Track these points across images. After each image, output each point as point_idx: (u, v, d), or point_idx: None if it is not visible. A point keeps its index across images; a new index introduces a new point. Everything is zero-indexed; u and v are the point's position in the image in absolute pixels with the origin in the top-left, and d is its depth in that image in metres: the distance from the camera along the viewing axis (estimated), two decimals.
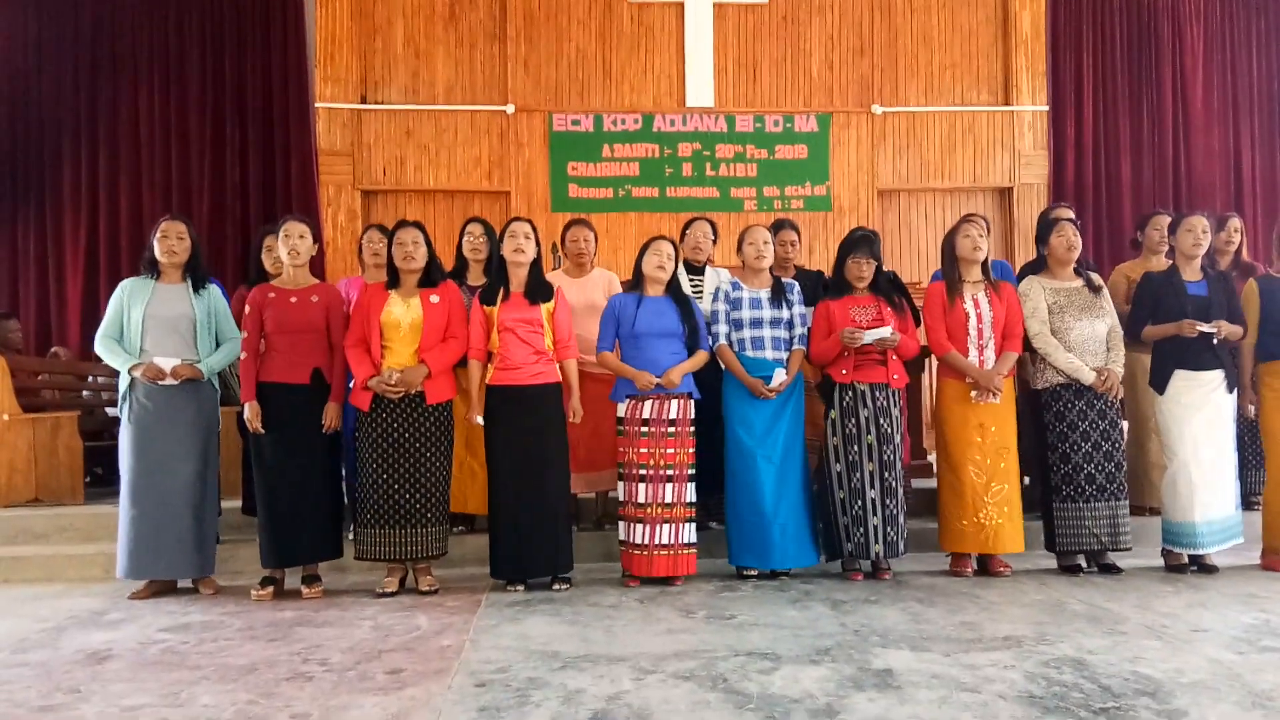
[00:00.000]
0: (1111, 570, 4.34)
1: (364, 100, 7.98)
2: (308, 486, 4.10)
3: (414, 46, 8.05)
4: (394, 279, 4.19)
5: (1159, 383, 4.43)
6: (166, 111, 7.88)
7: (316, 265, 7.52)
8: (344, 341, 4.17)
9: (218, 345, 4.30)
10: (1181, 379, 4.37)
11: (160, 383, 4.13)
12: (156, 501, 4.12)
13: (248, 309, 4.16)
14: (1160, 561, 4.48)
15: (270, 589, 4.10)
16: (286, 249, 4.18)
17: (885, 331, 4.21)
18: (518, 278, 4.21)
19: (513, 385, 4.11)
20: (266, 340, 4.15)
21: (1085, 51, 8.39)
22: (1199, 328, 4.26)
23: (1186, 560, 4.38)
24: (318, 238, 4.35)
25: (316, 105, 7.87)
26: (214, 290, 4.36)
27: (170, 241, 4.23)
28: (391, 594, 4.07)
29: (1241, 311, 4.42)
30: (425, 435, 4.09)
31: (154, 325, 4.16)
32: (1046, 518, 4.43)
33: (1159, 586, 4.09)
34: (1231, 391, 4.39)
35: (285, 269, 4.25)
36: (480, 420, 4.15)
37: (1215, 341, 4.30)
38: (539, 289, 4.20)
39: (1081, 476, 4.31)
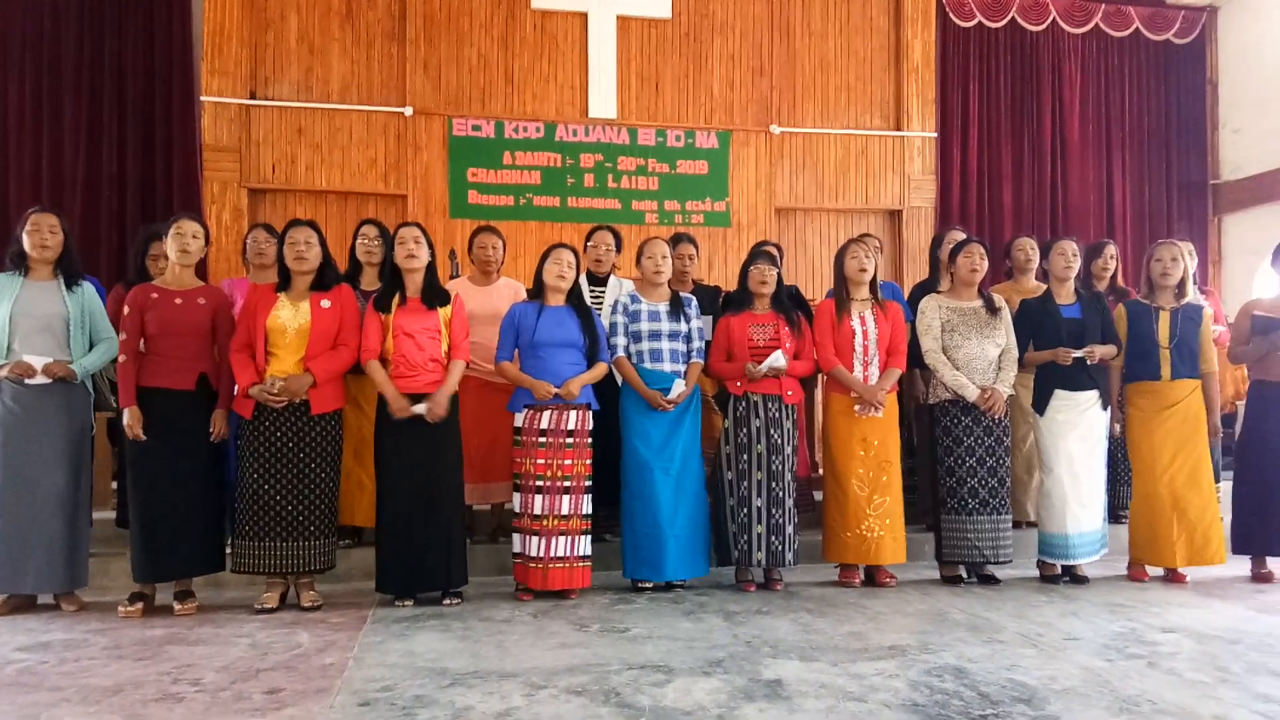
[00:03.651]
0: (990, 581, 4.50)
1: (253, 95, 7.69)
2: (189, 497, 3.91)
3: (308, 42, 7.81)
4: (285, 281, 4.04)
5: (1040, 403, 4.63)
6: (39, 99, 7.43)
7: (198, 265, 7.23)
8: (230, 345, 3.99)
9: (92, 346, 4.07)
10: (1060, 399, 4.57)
11: (29, 381, 3.89)
12: (24, 511, 3.88)
13: (126, 310, 3.94)
14: (1035, 572, 4.67)
15: (139, 605, 3.89)
16: (178, 247, 3.98)
17: (777, 361, 4.29)
18: (413, 283, 4.11)
19: (407, 393, 4.00)
20: (147, 343, 3.94)
21: (972, 81, 8.76)
22: (1072, 355, 4.48)
23: (1060, 571, 4.58)
24: (209, 239, 4.16)
25: (202, 99, 7.55)
26: (88, 288, 4.12)
27: (41, 235, 3.98)
28: (271, 610, 3.90)
29: (1115, 331, 4.65)
30: (310, 445, 3.95)
31: (23, 323, 3.92)
32: (935, 529, 4.58)
33: (1034, 596, 4.26)
34: (1105, 410, 4.62)
35: (171, 268, 4.04)
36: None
37: (1090, 364, 4.52)
38: (435, 294, 4.11)
39: (965, 490, 4.47)
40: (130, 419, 3.86)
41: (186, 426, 3.91)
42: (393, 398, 3.95)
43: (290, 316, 3.95)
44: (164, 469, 3.88)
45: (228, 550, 4.10)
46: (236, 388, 3.95)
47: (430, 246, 4.15)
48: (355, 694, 2.84)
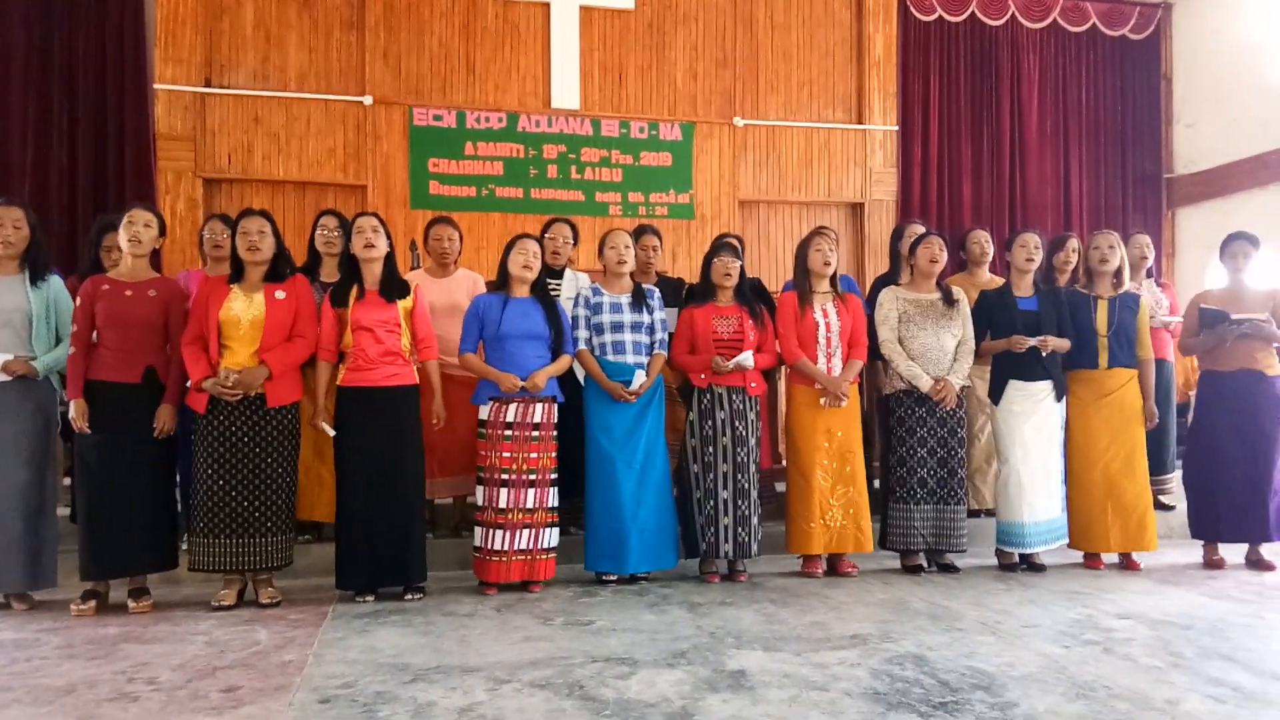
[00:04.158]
0: (950, 569, 4.55)
1: (208, 83, 7.54)
2: (136, 492, 3.83)
3: (265, 30, 7.67)
4: (238, 272, 3.96)
5: (995, 393, 4.69)
6: None
7: (153, 257, 7.08)
8: (181, 338, 3.91)
9: (59, 341, 3.97)
10: (1014, 389, 4.63)
11: None
12: None
13: (78, 300, 3.86)
14: (994, 561, 4.73)
15: (92, 603, 3.81)
16: (128, 236, 3.90)
17: (746, 361, 4.31)
18: (371, 274, 4.06)
19: (366, 387, 3.95)
20: (98, 335, 3.86)
21: (932, 75, 8.82)
22: (1026, 343, 4.53)
23: (1017, 559, 4.65)
24: (164, 230, 4.07)
25: (155, 87, 7.38)
26: (55, 282, 4.03)
27: (6, 230, 3.89)
28: (229, 607, 3.84)
29: (1072, 325, 4.70)
30: (267, 440, 3.88)
31: None
32: (883, 516, 4.62)
33: (993, 584, 4.32)
34: (1060, 401, 4.68)
35: (124, 259, 3.96)
36: (328, 429, 3.97)
37: (1044, 354, 4.57)
38: (395, 285, 4.06)
39: (914, 480, 4.51)
40: (75, 411, 3.78)
41: (132, 421, 3.83)
42: (318, 410, 3.99)
43: (244, 308, 3.88)
44: (110, 464, 3.80)
45: (182, 547, 4.03)
46: (190, 381, 3.88)
47: (389, 237, 4.10)
48: (315, 691, 2.81)
